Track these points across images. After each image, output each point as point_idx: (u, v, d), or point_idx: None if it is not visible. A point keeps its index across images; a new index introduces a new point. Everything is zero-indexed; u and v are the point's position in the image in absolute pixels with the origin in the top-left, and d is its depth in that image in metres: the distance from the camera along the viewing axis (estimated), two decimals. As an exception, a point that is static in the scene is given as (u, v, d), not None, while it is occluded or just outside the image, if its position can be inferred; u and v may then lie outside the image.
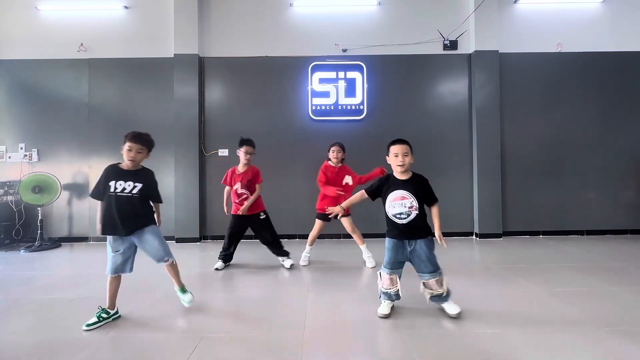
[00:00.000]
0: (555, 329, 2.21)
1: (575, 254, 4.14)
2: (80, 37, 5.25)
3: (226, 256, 3.70)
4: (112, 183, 2.38)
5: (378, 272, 2.52)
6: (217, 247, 4.59)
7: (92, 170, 5.23)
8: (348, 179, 3.74)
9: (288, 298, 2.85)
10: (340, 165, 3.75)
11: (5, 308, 2.67)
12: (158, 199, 2.58)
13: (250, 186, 3.62)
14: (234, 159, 5.12)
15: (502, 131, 5.21)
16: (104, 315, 2.36)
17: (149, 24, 5.30)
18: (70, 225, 5.23)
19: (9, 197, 5.02)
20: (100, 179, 2.44)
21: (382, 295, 2.47)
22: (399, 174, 2.44)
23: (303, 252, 3.83)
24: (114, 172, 2.43)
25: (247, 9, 5.30)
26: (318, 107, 5.21)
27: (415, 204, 2.35)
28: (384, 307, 2.42)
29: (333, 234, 5.19)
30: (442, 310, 2.43)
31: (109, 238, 2.42)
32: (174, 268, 2.58)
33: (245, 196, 3.60)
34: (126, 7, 5.29)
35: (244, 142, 3.66)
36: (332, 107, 5.22)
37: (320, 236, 5.12)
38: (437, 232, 2.41)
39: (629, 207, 5.23)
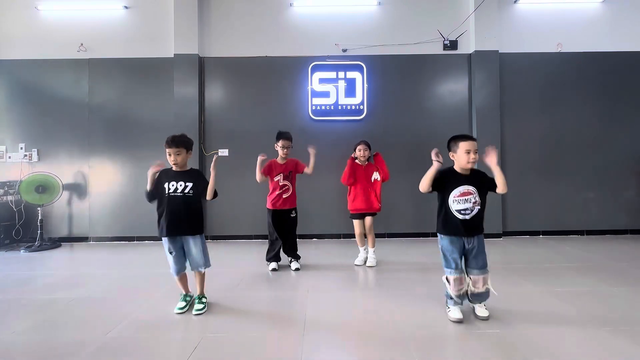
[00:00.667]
0: (555, 329, 2.21)
1: (575, 254, 4.14)
2: (80, 37, 5.25)
3: (275, 256, 3.65)
4: (165, 185, 2.53)
5: (444, 278, 2.42)
6: (217, 247, 4.61)
7: (92, 170, 5.23)
8: (376, 175, 3.76)
9: (288, 298, 2.85)
10: (367, 163, 3.77)
11: (5, 308, 2.67)
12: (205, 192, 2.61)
13: (292, 177, 3.63)
14: (234, 159, 5.15)
15: (502, 131, 5.21)
16: (188, 299, 2.62)
17: (149, 24, 5.30)
18: (70, 225, 5.23)
19: (9, 197, 5.02)
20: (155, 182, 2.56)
21: (449, 301, 2.40)
22: (463, 170, 2.39)
23: (362, 255, 3.80)
24: (166, 175, 2.57)
25: (247, 9, 5.30)
26: (318, 107, 5.21)
27: (478, 199, 2.34)
28: (456, 311, 2.35)
29: (333, 233, 5.20)
30: (473, 312, 2.41)
31: (164, 239, 2.55)
32: (202, 275, 2.66)
33: (286, 187, 3.59)
34: (126, 7, 5.29)
35: (280, 135, 3.64)
36: (332, 107, 5.22)
37: (321, 236, 5.18)
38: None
39: (629, 207, 5.23)
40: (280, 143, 3.60)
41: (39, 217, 4.83)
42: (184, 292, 2.65)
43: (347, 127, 5.21)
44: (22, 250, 4.62)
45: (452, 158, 2.43)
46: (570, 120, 5.24)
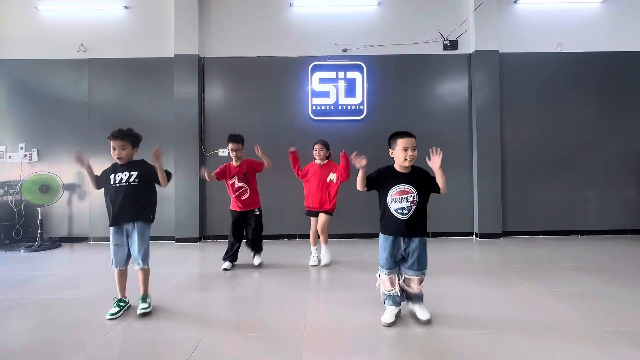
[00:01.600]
0: (555, 329, 2.21)
1: (575, 254, 4.14)
2: (80, 37, 5.25)
3: (231, 256, 3.71)
4: (111, 176, 2.53)
5: (377, 275, 2.43)
6: (217, 247, 4.61)
7: (92, 170, 5.22)
8: (332, 177, 3.75)
9: (288, 298, 2.85)
10: (325, 162, 3.78)
11: (5, 308, 2.67)
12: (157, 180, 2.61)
13: (247, 179, 3.66)
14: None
15: (502, 131, 5.21)
16: (122, 304, 2.52)
17: (149, 24, 5.30)
18: (70, 225, 5.23)
19: (9, 197, 5.02)
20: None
21: (386, 301, 2.36)
22: (402, 168, 2.36)
23: (314, 255, 3.82)
24: (112, 168, 2.59)
25: (247, 9, 5.30)
26: (318, 107, 5.21)
27: (417, 198, 2.29)
28: (388, 314, 2.30)
29: (332, 233, 5.18)
30: (413, 313, 2.37)
31: (111, 230, 2.53)
32: (145, 273, 2.60)
33: (242, 189, 3.62)
34: (126, 7, 5.29)
35: (229, 138, 3.64)
36: (332, 107, 5.22)
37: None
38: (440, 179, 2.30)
39: (629, 207, 5.23)
40: (229, 146, 3.63)
41: (39, 217, 4.83)
42: (119, 297, 2.56)
43: (347, 127, 5.21)
44: (22, 250, 4.62)
45: (391, 155, 2.40)
46: (570, 120, 5.24)
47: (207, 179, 3.57)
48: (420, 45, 5.27)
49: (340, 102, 5.21)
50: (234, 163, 3.69)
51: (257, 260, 3.72)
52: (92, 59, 5.26)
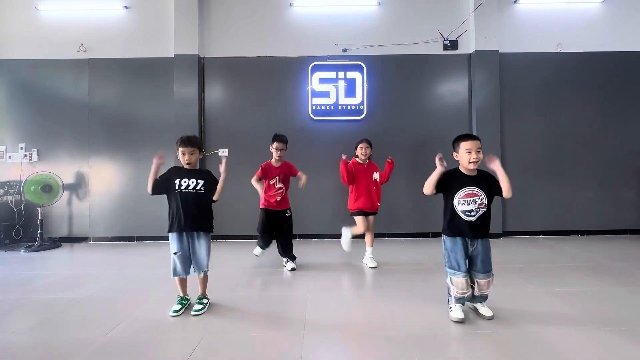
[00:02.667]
0: (555, 329, 2.21)
1: (575, 254, 4.14)
2: (80, 37, 5.25)
3: (265, 243, 3.69)
4: (177, 181, 2.56)
5: (448, 279, 2.39)
6: (217, 247, 4.60)
7: (92, 170, 5.24)
8: (376, 176, 3.73)
9: (288, 298, 2.85)
10: (368, 162, 3.74)
11: (5, 308, 2.67)
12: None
13: (286, 180, 3.65)
14: (234, 159, 5.13)
15: (502, 131, 5.21)
16: (184, 302, 2.60)
17: (149, 24, 5.30)
18: (70, 225, 5.23)
19: (9, 197, 5.02)
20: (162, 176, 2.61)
21: (452, 301, 2.37)
22: (468, 171, 2.37)
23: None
24: (177, 172, 2.62)
25: (247, 9, 5.30)
26: (318, 107, 5.21)
27: (485, 201, 2.32)
28: (458, 310, 2.32)
29: (333, 233, 5.19)
30: (476, 311, 2.42)
31: (172, 236, 2.57)
32: (206, 276, 2.68)
33: (281, 190, 3.59)
34: (126, 7, 5.29)
35: (275, 138, 3.62)
36: (332, 107, 5.22)
37: (321, 236, 5.18)
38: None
39: (629, 207, 5.23)
40: (274, 145, 3.60)
41: (39, 217, 4.83)
42: (182, 295, 2.65)
43: (347, 127, 5.21)
44: (22, 250, 4.62)
45: (455, 158, 2.42)
46: (570, 120, 5.24)
47: (256, 187, 3.51)
48: (420, 45, 5.27)
49: (340, 102, 5.21)
50: (274, 163, 3.63)
51: (290, 266, 3.62)
52: (92, 59, 5.26)
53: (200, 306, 2.57)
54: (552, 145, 5.24)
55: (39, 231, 4.80)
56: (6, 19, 5.29)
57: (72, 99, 5.24)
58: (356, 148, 3.74)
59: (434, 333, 2.18)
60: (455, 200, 2.34)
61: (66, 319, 2.47)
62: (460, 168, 2.41)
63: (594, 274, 3.32)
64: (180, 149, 2.59)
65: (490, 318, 2.34)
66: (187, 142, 2.60)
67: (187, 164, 2.60)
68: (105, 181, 5.23)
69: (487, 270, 2.36)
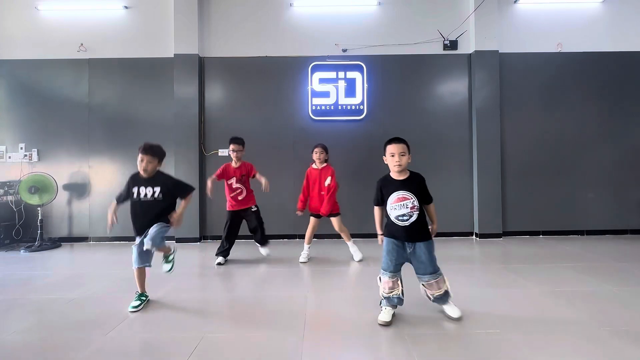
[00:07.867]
0: (555, 329, 2.21)
1: (575, 254, 4.14)
2: (80, 37, 5.25)
3: (224, 252, 3.84)
4: (135, 189, 2.62)
5: (377, 277, 2.44)
6: (212, 248, 4.59)
7: (92, 170, 5.23)
8: (329, 181, 3.82)
9: (288, 298, 2.84)
10: (323, 165, 3.86)
11: (5, 308, 2.67)
12: (183, 193, 2.76)
13: (244, 181, 3.82)
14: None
15: (502, 131, 5.21)
16: (143, 298, 2.65)
17: (149, 24, 5.30)
18: (70, 225, 5.23)
19: (9, 197, 5.02)
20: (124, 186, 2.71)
21: (383, 301, 2.36)
22: (396, 174, 2.38)
23: (305, 252, 3.93)
24: (134, 180, 2.66)
25: (247, 9, 5.30)
26: (318, 107, 5.21)
27: (416, 203, 2.30)
28: (385, 313, 2.30)
29: (332, 234, 5.18)
30: (444, 313, 2.40)
31: (138, 239, 2.64)
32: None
33: (239, 190, 3.78)
34: (126, 7, 5.29)
35: (231, 140, 3.84)
36: (332, 107, 5.22)
37: (320, 236, 5.17)
38: (434, 226, 2.43)
39: (629, 207, 5.23)
40: (230, 147, 3.80)
41: (39, 217, 4.83)
42: (140, 291, 2.69)
43: (347, 127, 5.21)
44: (22, 250, 4.62)
45: (385, 162, 2.45)
46: (570, 120, 5.24)
47: (210, 186, 3.67)
48: (420, 45, 5.27)
49: (340, 102, 5.21)
50: (233, 164, 3.83)
51: (264, 251, 3.87)
52: (92, 59, 5.26)
53: (170, 265, 2.80)
54: (552, 145, 5.23)
55: (39, 231, 4.80)
56: (6, 19, 5.29)
57: (72, 99, 5.24)
58: (312, 153, 3.88)
59: (434, 333, 2.18)
60: (389, 206, 2.35)
61: (66, 319, 2.47)
62: (390, 173, 2.43)
63: (594, 274, 3.32)
64: (140, 156, 2.58)
65: (458, 319, 2.30)
66: (149, 150, 2.59)
67: (144, 170, 2.59)
68: (105, 181, 5.23)
69: (430, 271, 2.32)
